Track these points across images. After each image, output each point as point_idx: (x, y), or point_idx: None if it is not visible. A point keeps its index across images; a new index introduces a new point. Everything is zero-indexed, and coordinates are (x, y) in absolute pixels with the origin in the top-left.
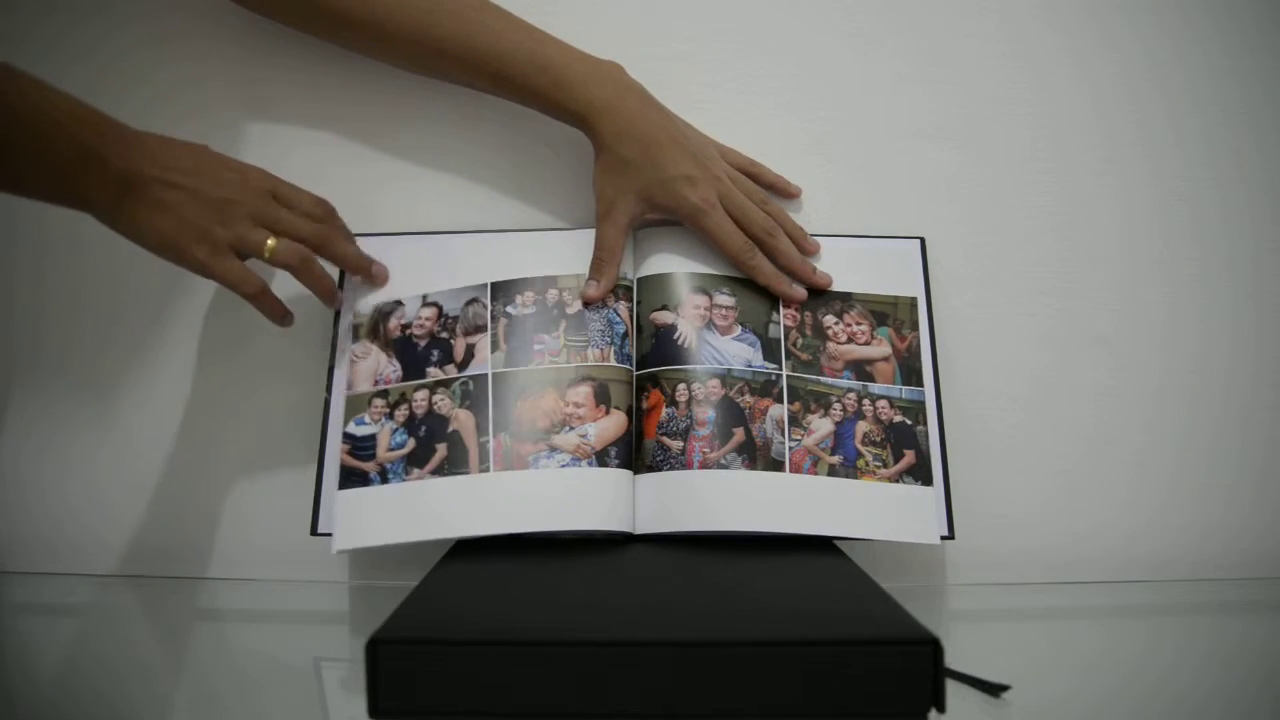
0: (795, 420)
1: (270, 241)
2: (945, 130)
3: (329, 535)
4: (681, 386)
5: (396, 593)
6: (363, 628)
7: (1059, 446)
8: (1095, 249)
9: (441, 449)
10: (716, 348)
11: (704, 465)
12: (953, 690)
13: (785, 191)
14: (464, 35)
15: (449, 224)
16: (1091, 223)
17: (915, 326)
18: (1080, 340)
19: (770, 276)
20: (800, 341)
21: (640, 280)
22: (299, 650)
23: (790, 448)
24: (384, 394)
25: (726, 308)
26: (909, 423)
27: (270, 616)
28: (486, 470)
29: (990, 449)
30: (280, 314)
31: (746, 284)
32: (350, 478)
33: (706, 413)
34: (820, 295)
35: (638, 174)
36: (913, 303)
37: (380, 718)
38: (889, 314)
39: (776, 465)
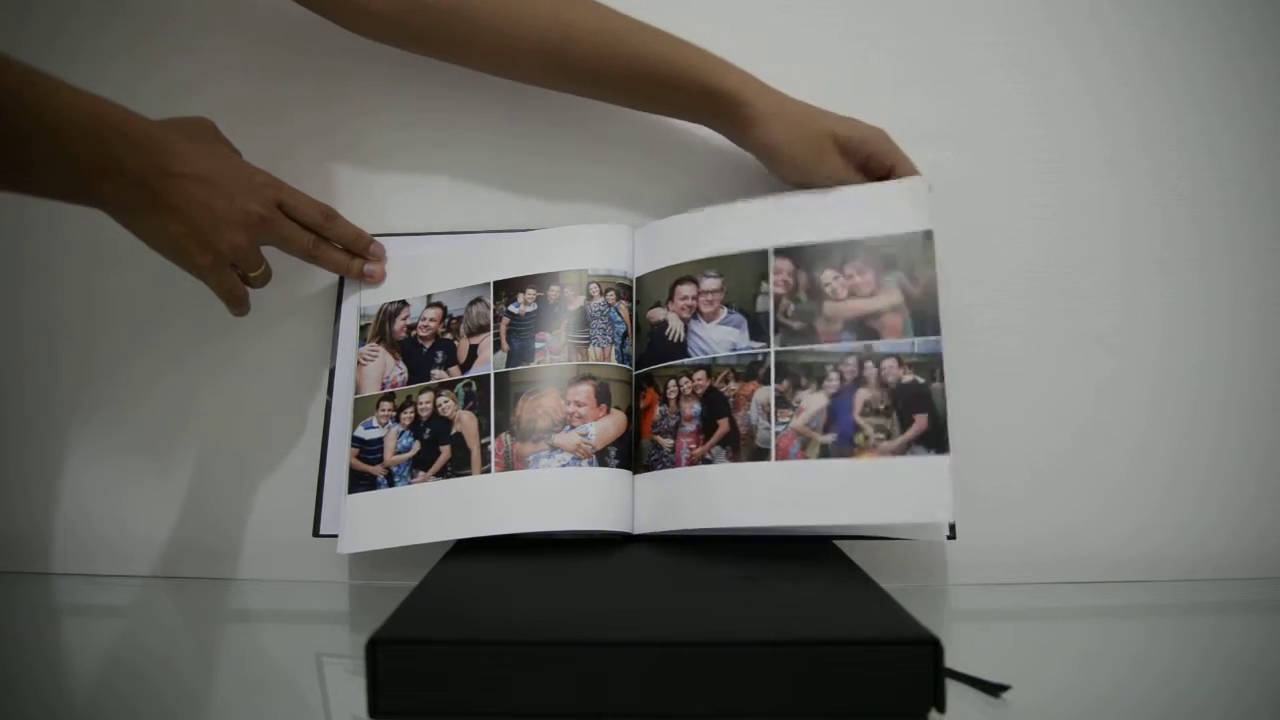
0: (783, 401)
1: (253, 274)
2: (945, 131)
3: (331, 536)
4: (671, 383)
5: (396, 593)
6: (363, 628)
7: (1059, 447)
8: (1095, 249)
9: (445, 451)
10: (702, 336)
11: (690, 461)
12: (953, 690)
13: None
14: (641, 40)
15: (455, 224)
16: (1091, 223)
17: (931, 265)
18: (1080, 340)
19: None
20: (792, 309)
21: (639, 279)
22: (299, 650)
23: (777, 432)
24: (390, 397)
25: (712, 291)
26: (921, 381)
27: (270, 616)
28: (488, 472)
29: (990, 450)
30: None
31: (733, 260)
32: (359, 481)
33: (693, 407)
34: (818, 249)
35: (815, 139)
36: (926, 237)
37: (380, 718)
38: (898, 256)
39: (761, 454)
